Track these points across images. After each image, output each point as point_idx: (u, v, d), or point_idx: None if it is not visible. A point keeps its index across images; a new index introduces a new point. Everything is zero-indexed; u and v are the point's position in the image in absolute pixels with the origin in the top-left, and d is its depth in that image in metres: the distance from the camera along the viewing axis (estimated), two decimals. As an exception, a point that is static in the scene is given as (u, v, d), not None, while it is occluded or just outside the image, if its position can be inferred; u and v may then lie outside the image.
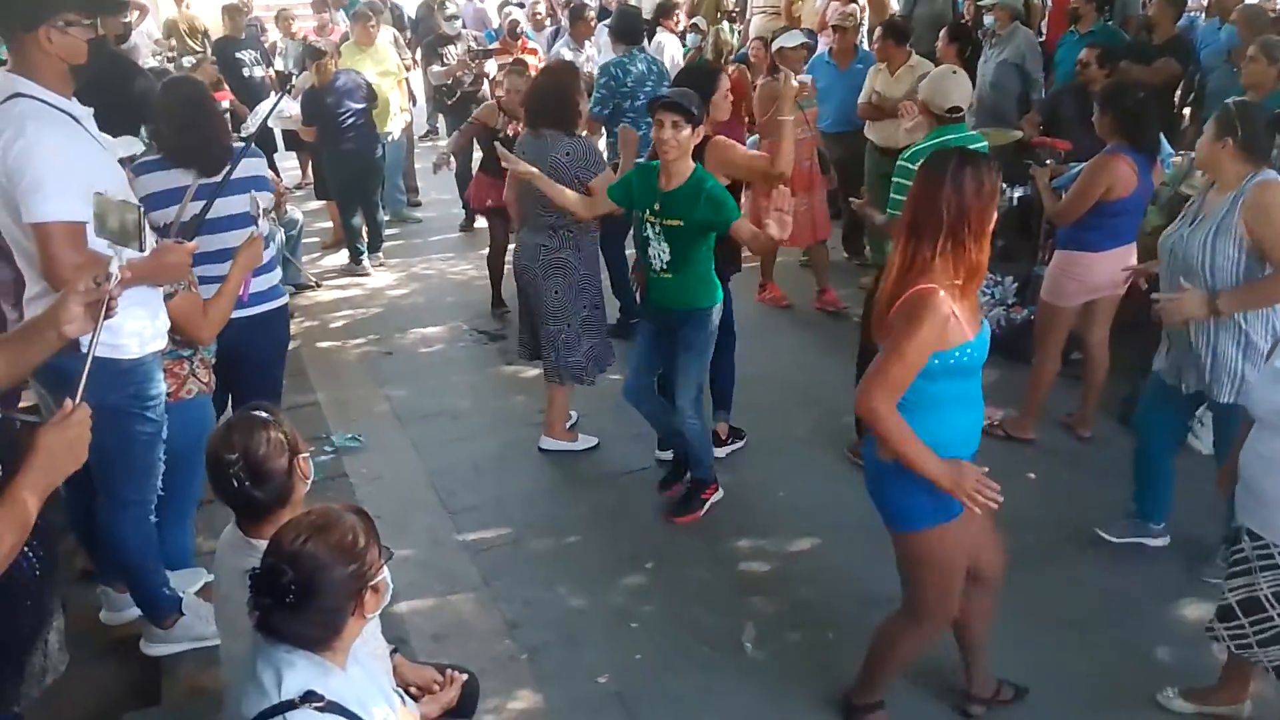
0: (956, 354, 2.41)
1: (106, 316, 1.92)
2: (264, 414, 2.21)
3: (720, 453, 4.41)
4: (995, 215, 2.43)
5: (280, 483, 2.15)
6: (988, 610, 2.85)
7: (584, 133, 4.50)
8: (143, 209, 1.92)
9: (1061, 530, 3.80)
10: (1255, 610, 2.60)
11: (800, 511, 4.05)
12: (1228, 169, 3.23)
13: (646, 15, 7.67)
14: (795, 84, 4.33)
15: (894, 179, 3.97)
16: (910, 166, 3.85)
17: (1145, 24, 6.72)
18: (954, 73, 4.13)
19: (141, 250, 1.98)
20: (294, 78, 6.78)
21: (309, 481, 2.25)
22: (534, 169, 3.92)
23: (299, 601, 1.73)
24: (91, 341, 1.88)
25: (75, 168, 2.55)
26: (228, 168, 3.31)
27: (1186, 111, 7.42)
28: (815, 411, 4.82)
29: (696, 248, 3.71)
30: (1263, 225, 3.11)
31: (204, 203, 3.28)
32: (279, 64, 6.97)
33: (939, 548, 2.55)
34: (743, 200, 4.97)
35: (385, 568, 1.87)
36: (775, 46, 5.90)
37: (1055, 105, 6.09)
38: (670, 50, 7.51)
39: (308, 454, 2.26)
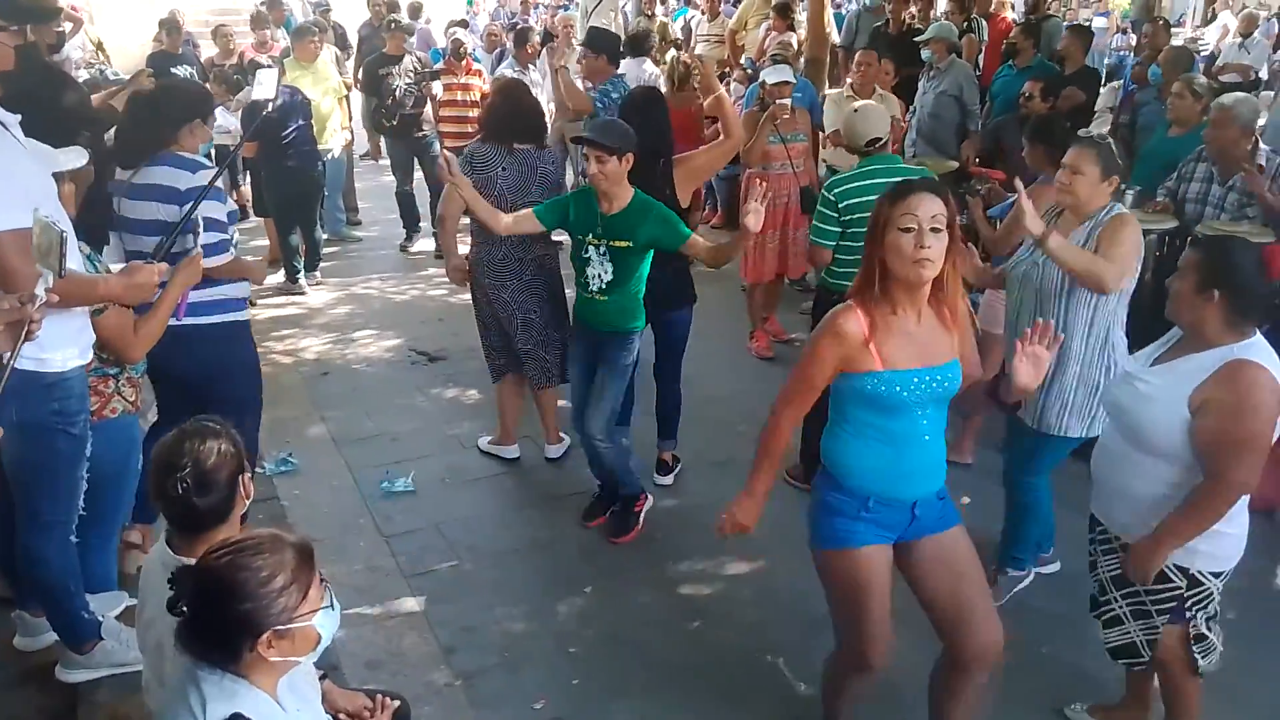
0: (862, 381, 2.39)
1: (26, 339, 1.85)
2: (215, 425, 2.17)
3: (664, 480, 4.46)
4: (919, 238, 2.28)
5: (223, 496, 2.11)
6: (967, 701, 2.61)
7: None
8: (65, 234, 1.87)
9: (996, 552, 3.83)
10: (1101, 593, 2.78)
11: (744, 534, 4.02)
12: (1095, 203, 3.29)
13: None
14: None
15: (818, 208, 4.07)
16: (829, 196, 3.97)
17: (1056, 57, 6.97)
18: (854, 110, 4.23)
19: (60, 274, 1.92)
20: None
21: (248, 502, 2.19)
22: (469, 185, 3.80)
23: (195, 616, 1.69)
24: (9, 360, 1.81)
25: (13, 175, 2.49)
26: (200, 186, 3.30)
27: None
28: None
29: (639, 269, 3.75)
30: (1108, 245, 3.16)
31: (176, 226, 3.22)
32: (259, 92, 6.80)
33: (830, 572, 2.57)
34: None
35: (322, 617, 1.77)
36: (760, 80, 5.91)
37: (998, 135, 6.26)
38: (659, 79, 7.57)
39: (251, 474, 2.20)
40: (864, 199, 3.88)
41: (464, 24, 10.05)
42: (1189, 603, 2.61)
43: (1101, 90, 8.90)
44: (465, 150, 4.38)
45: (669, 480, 4.48)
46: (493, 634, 3.49)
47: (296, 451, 4.70)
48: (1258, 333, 2.51)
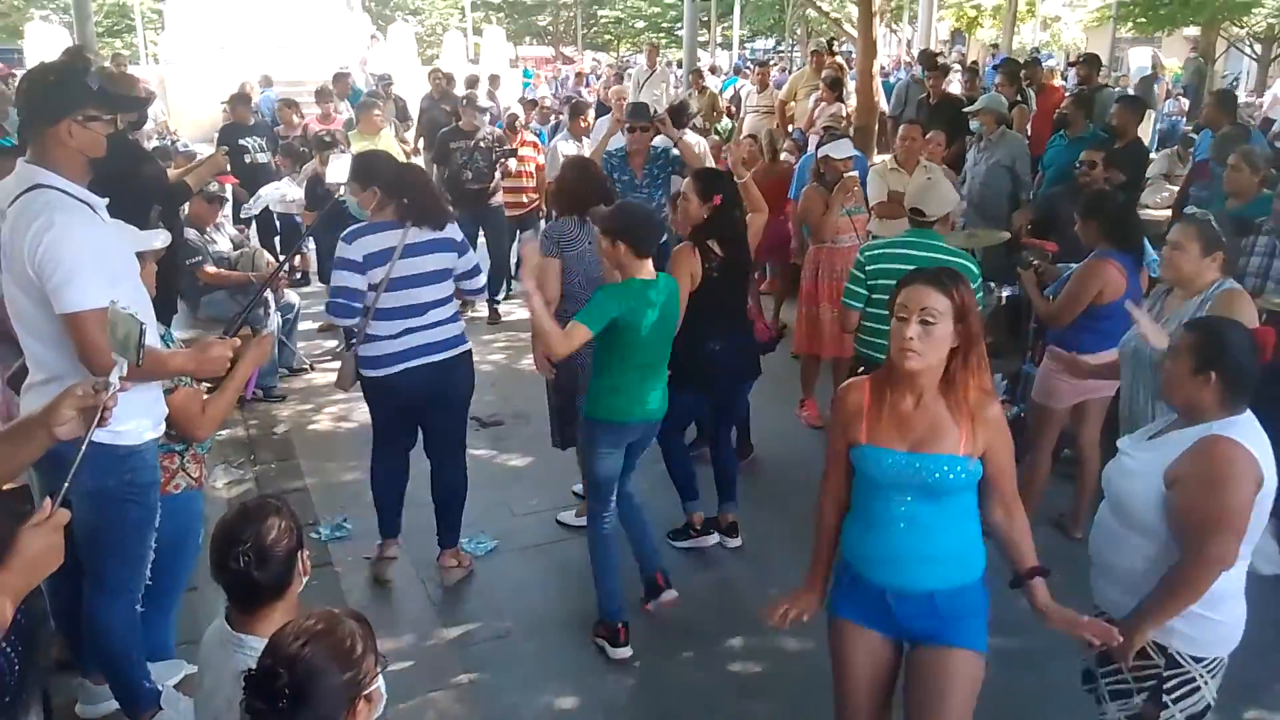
0: (852, 453, 2.47)
1: (99, 424, 1.91)
2: (275, 501, 2.22)
3: (710, 541, 4.49)
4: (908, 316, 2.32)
5: (282, 571, 2.14)
6: None
7: None
8: (144, 325, 1.95)
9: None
10: (1089, 674, 2.76)
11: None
12: (1203, 278, 3.34)
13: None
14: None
15: (851, 269, 4.19)
16: (860, 258, 4.07)
17: (1109, 129, 6.93)
18: (928, 179, 4.30)
19: (138, 363, 2.00)
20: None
21: (305, 579, 2.23)
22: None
23: (293, 707, 1.68)
24: (83, 447, 1.87)
25: (102, 256, 2.63)
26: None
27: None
28: (811, 502, 4.78)
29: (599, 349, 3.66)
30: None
31: (249, 300, 3.36)
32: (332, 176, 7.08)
33: (829, 635, 2.62)
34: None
35: (380, 676, 1.84)
36: (821, 154, 5.91)
37: (1052, 205, 6.25)
38: (702, 147, 7.70)
39: (309, 551, 2.25)
40: (890, 266, 3.95)
41: (524, 100, 10.30)
42: (1167, 684, 2.52)
43: (1154, 157, 8.87)
44: (545, 231, 4.47)
45: (738, 542, 4.51)
46: (539, 709, 3.48)
47: (350, 516, 4.76)
48: (1248, 410, 2.48)
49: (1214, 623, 2.48)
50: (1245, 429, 2.44)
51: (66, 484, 1.79)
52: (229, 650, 2.14)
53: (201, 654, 2.31)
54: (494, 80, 11.99)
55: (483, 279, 4.20)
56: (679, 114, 7.76)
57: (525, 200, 8.02)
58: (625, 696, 3.54)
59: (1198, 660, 2.51)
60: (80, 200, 2.66)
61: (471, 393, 4.19)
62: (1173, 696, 2.52)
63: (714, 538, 4.51)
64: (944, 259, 3.98)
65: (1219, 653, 2.52)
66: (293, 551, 2.17)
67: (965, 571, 2.45)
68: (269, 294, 3.23)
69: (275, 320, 6.29)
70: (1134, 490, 2.53)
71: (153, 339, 2.79)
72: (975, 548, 2.47)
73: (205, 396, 3.08)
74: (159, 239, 2.97)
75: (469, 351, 4.10)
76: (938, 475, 2.34)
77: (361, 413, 6.12)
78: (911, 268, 2.70)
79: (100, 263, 2.59)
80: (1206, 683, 2.52)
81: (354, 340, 3.96)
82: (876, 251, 4.13)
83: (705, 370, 4.19)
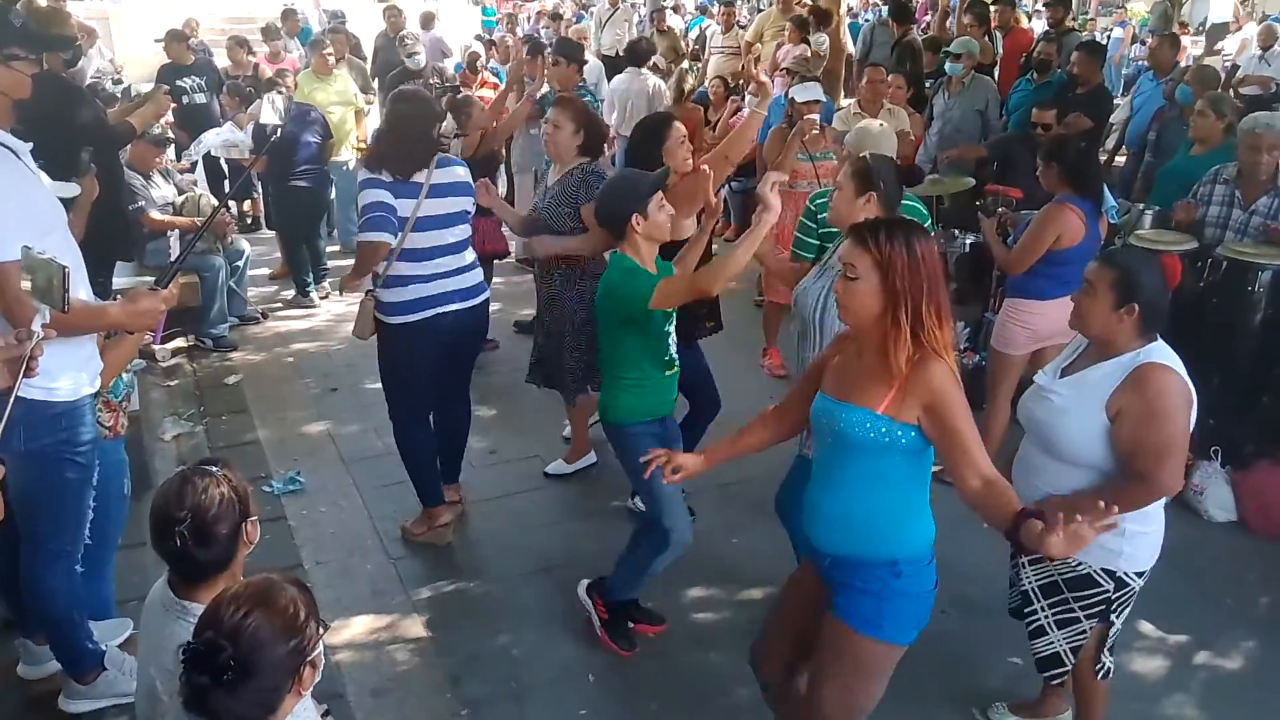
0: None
1: (26, 375, 1.82)
2: (217, 469, 2.11)
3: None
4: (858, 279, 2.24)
5: (225, 547, 2.05)
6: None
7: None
8: (68, 269, 1.84)
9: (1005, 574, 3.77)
10: (1026, 603, 2.82)
11: (755, 558, 3.98)
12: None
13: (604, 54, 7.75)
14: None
15: (800, 218, 3.96)
16: (810, 207, 3.90)
17: (1071, 76, 6.86)
18: (880, 125, 4.18)
19: (64, 310, 1.90)
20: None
21: (252, 546, 2.14)
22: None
23: (237, 680, 1.62)
24: (9, 399, 1.78)
25: (26, 206, 2.50)
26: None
27: (1121, 158, 7.66)
28: (770, 458, 4.76)
29: (606, 343, 3.28)
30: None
31: (184, 250, 3.22)
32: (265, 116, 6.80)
33: None
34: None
35: (321, 641, 1.78)
36: (789, 96, 5.85)
37: (1004, 149, 6.21)
38: (661, 88, 7.57)
39: (256, 518, 2.16)
40: None
41: (480, 38, 10.04)
42: (1114, 604, 2.71)
43: (1119, 102, 8.85)
44: (586, 170, 4.20)
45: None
46: (499, 662, 3.46)
47: (304, 469, 4.68)
48: (1158, 337, 2.61)
49: (1150, 536, 2.67)
50: (1166, 353, 2.57)
51: None
52: (172, 616, 2.07)
53: (143, 616, 2.23)
54: (426, 19, 11.54)
55: None
56: (637, 53, 7.64)
57: (484, 144, 7.84)
58: (584, 648, 3.52)
59: (1139, 575, 2.69)
60: (2, 145, 2.51)
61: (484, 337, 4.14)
62: (1117, 612, 2.73)
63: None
64: None
65: (1151, 562, 2.71)
66: (236, 525, 2.07)
67: (868, 546, 2.30)
68: (218, 241, 3.10)
69: (224, 268, 6.13)
70: (1069, 428, 2.60)
71: (84, 293, 2.67)
72: (888, 526, 2.30)
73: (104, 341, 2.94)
74: (67, 190, 2.83)
75: (488, 299, 4.04)
76: (844, 427, 2.25)
77: (315, 363, 6.05)
78: None
79: (22, 213, 2.46)
80: (1139, 587, 2.72)
81: (373, 288, 3.80)
82: (825, 200, 4.01)
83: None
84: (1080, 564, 2.67)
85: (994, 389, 4.42)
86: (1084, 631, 2.74)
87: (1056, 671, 2.84)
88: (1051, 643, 2.79)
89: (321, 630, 1.78)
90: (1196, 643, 3.55)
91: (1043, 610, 2.78)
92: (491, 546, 4.18)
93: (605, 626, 3.51)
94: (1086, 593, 2.70)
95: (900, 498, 2.31)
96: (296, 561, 3.98)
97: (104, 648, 3.06)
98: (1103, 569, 2.66)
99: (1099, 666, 2.85)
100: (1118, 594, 2.69)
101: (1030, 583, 2.80)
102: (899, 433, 2.22)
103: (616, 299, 3.07)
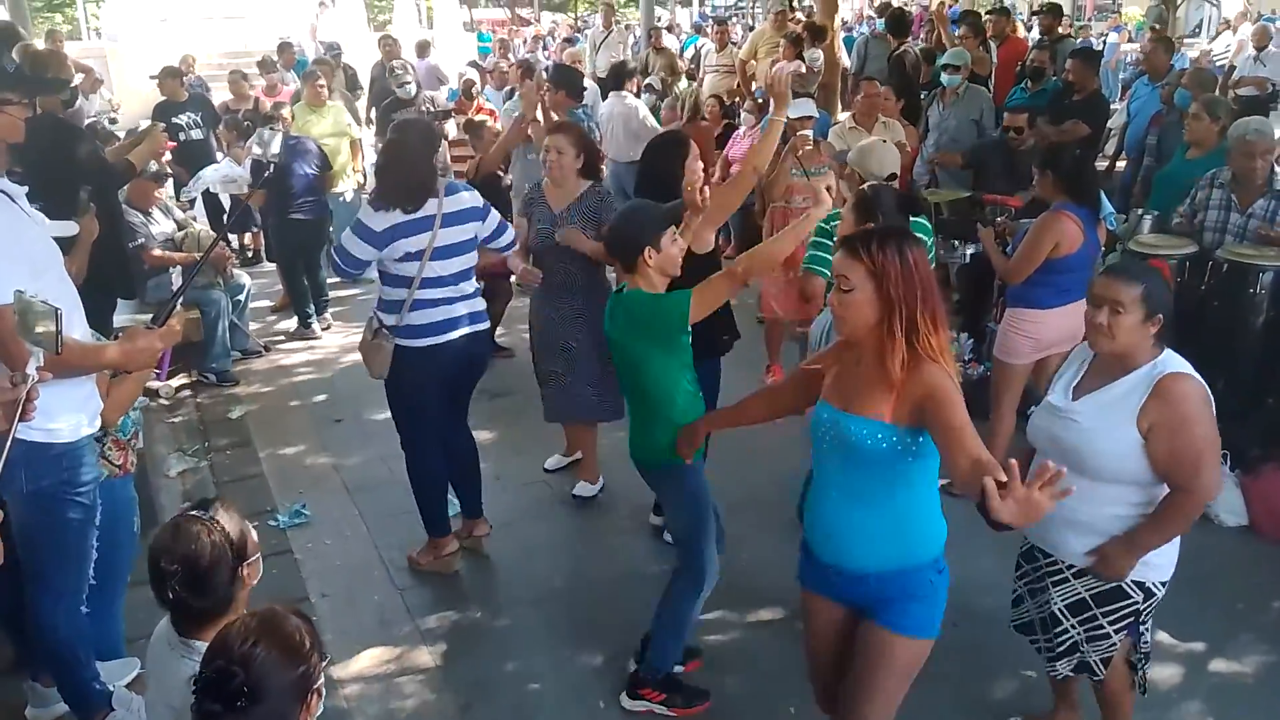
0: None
1: (22, 419, 1.82)
2: (208, 514, 2.09)
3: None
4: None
5: (222, 593, 2.06)
6: None
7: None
8: (59, 310, 1.84)
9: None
10: (1054, 624, 2.78)
11: (763, 577, 3.95)
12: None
13: (600, 77, 7.81)
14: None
15: (814, 236, 3.92)
16: (826, 226, 3.87)
17: (1067, 83, 6.87)
18: (884, 142, 4.19)
19: (57, 352, 1.90)
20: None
21: (252, 584, 2.14)
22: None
23: (249, 706, 1.65)
24: (7, 443, 1.77)
25: (19, 249, 2.51)
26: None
27: (1121, 164, 7.66)
28: (778, 469, 4.75)
29: (632, 375, 3.09)
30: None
31: (180, 287, 3.23)
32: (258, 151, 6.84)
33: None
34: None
35: (323, 670, 1.81)
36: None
37: (980, 156, 6.24)
38: (642, 110, 7.59)
39: (255, 557, 2.15)
40: None
41: (475, 64, 10.11)
42: (1143, 615, 2.71)
43: (1116, 108, 8.86)
44: (601, 191, 4.39)
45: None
46: (508, 689, 3.43)
47: (309, 501, 4.67)
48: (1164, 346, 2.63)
49: (1173, 546, 2.67)
50: (1180, 361, 2.58)
51: None
52: (177, 654, 2.07)
53: (149, 654, 2.23)
54: (421, 48, 11.68)
55: (510, 234, 4.05)
56: (618, 76, 7.68)
57: (480, 168, 7.88)
58: (594, 674, 3.50)
59: (1164, 584, 2.70)
60: None
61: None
62: (1145, 623, 2.73)
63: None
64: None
65: (1171, 570, 2.71)
66: (232, 570, 2.07)
67: (906, 553, 2.33)
68: (219, 275, 3.11)
69: (225, 302, 6.14)
70: (1101, 447, 2.56)
71: (79, 333, 2.68)
72: (921, 528, 2.35)
73: (110, 379, 2.95)
74: (65, 229, 2.84)
75: (489, 328, 4.12)
76: (854, 439, 2.25)
77: (318, 395, 6.06)
78: None
79: (17, 255, 2.47)
80: (1161, 596, 2.73)
81: (383, 327, 3.79)
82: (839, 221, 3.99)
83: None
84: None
85: (998, 399, 4.40)
86: (1114, 645, 2.73)
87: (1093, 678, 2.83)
88: (1083, 655, 2.78)
89: (324, 660, 1.80)
90: (1208, 649, 3.51)
91: (1073, 628, 2.75)
92: (497, 573, 4.16)
93: (670, 703, 3.29)
94: (1115, 606, 2.68)
95: (925, 496, 2.35)
96: (303, 594, 3.97)
97: (111, 688, 3.05)
98: (1133, 581, 2.66)
99: (1135, 679, 2.83)
100: (1146, 605, 2.69)
101: (1057, 603, 2.76)
102: (909, 439, 2.24)
103: (644, 325, 2.95)
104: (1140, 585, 2.66)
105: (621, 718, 3.29)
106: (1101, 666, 2.76)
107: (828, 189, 2.96)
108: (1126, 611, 2.69)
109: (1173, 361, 2.56)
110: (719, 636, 3.69)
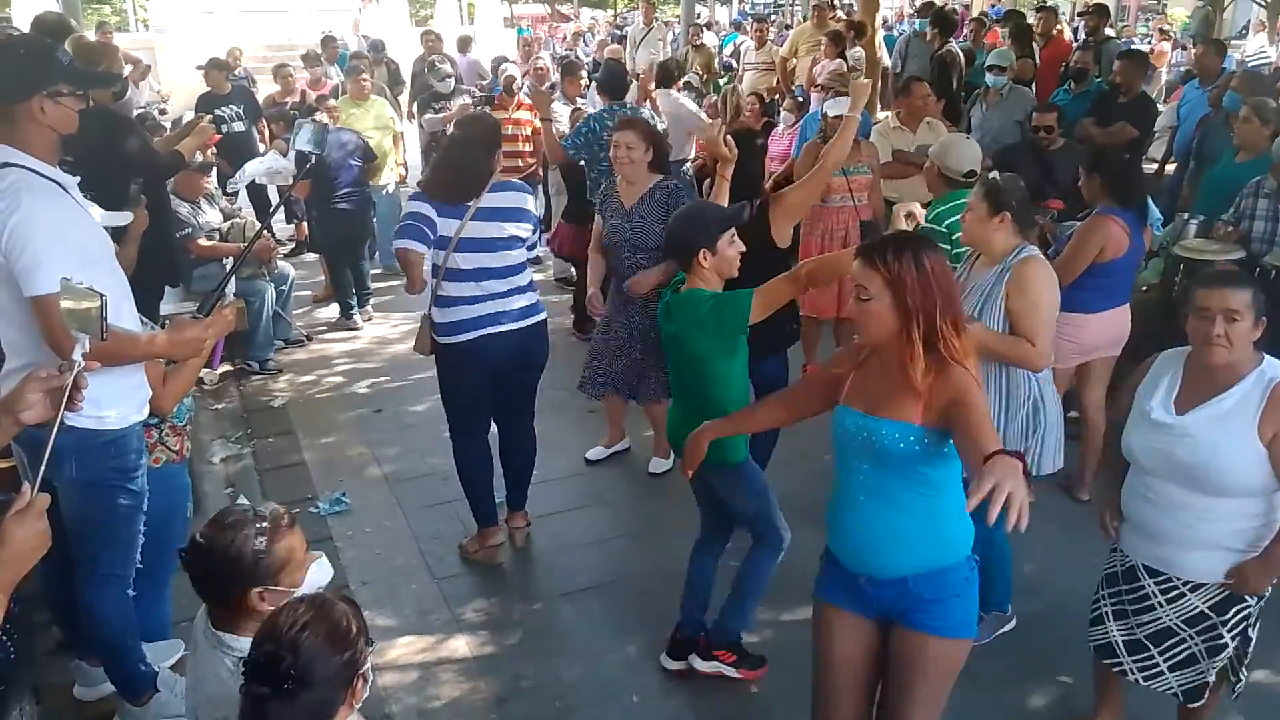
0: (836, 409, 2.44)
1: (69, 408, 1.84)
2: (244, 514, 2.06)
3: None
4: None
5: (250, 576, 2.02)
6: None
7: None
8: (105, 297, 1.86)
9: (1058, 591, 3.73)
10: (1166, 638, 2.73)
11: (795, 574, 3.93)
12: (998, 243, 3.25)
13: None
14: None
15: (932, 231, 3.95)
16: (940, 228, 3.88)
17: (1113, 85, 6.78)
18: (966, 137, 4.18)
19: (103, 338, 1.92)
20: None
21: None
22: None
23: (296, 689, 1.68)
24: (54, 430, 1.80)
25: (71, 239, 2.56)
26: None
27: (1170, 168, 7.53)
28: (815, 467, 4.73)
29: (687, 374, 3.17)
30: (1017, 297, 3.16)
31: (225, 277, 3.28)
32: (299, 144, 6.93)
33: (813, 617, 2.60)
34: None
35: (369, 656, 1.83)
36: (823, 111, 5.86)
37: (1006, 159, 6.16)
38: (691, 106, 7.59)
39: (297, 540, 2.12)
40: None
41: (514, 60, 10.15)
42: (1254, 619, 2.70)
43: (1163, 109, 8.71)
44: (670, 186, 4.42)
45: None
46: (544, 682, 3.46)
47: (349, 490, 4.73)
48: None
49: None
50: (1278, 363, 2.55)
51: (42, 467, 1.73)
52: (208, 645, 2.10)
53: (192, 637, 2.27)
54: (462, 43, 11.77)
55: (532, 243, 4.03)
56: (666, 74, 7.67)
57: (521, 164, 7.90)
58: (632, 667, 3.52)
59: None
60: (50, 179, 2.58)
61: (546, 360, 4.09)
62: (1255, 628, 2.72)
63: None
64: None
65: None
66: (258, 557, 2.01)
67: (941, 554, 2.32)
68: (263, 266, 3.15)
69: (269, 292, 6.23)
70: (1224, 464, 2.50)
71: (129, 322, 2.73)
72: (953, 528, 2.33)
73: (165, 368, 3.00)
74: (120, 219, 2.88)
75: (544, 320, 4.01)
76: (884, 442, 2.25)
77: (359, 385, 6.12)
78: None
79: (68, 245, 2.50)
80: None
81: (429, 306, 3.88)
82: (957, 220, 3.91)
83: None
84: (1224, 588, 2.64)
85: (1039, 403, 4.35)
86: (1230, 653, 2.70)
87: (1199, 701, 2.77)
88: (1202, 671, 2.72)
89: (370, 646, 1.83)
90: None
91: (1192, 640, 2.70)
92: (536, 566, 4.19)
93: (739, 664, 3.41)
94: (1235, 610, 2.65)
95: (956, 494, 2.33)
96: (344, 582, 4.02)
97: (157, 669, 3.11)
98: None
99: (1234, 682, 2.79)
100: (1257, 606, 2.68)
101: (1172, 618, 2.71)
102: (939, 440, 2.24)
103: (704, 325, 2.96)
104: None
105: (655, 712, 3.30)
106: (1213, 674, 2.72)
107: (908, 215, 2.94)
108: (1242, 616, 2.66)
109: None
110: (750, 635, 3.68)
